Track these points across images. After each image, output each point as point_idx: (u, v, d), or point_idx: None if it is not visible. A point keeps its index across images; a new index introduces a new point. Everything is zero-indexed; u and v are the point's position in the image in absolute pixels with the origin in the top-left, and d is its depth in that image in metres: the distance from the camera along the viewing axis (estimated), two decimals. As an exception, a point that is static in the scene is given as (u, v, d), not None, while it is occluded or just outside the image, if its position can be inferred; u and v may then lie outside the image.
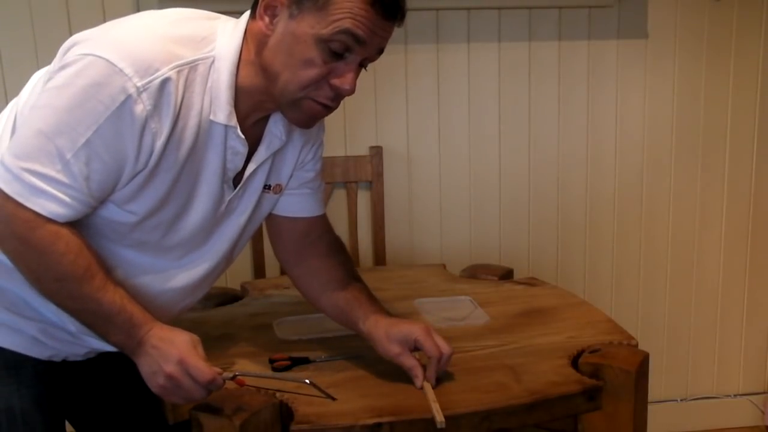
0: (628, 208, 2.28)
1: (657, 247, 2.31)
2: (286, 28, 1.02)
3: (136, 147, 0.98)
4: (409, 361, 1.13)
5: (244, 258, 2.05)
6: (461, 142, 2.16)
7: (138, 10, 1.08)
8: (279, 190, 1.24)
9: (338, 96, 1.05)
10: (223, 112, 1.04)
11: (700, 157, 2.28)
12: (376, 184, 2.10)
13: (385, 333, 1.15)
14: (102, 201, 1.01)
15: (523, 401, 1.09)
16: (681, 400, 2.42)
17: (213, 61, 1.03)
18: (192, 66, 1.00)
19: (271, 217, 1.29)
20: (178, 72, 0.98)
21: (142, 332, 1.02)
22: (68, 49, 1.00)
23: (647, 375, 1.19)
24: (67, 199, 0.96)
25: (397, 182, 2.15)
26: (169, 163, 1.02)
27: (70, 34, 1.03)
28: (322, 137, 1.30)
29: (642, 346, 1.25)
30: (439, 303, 1.50)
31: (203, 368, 0.99)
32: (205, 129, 1.04)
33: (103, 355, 1.19)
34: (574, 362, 1.21)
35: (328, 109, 1.07)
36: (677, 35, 2.19)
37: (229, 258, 1.23)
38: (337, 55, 1.01)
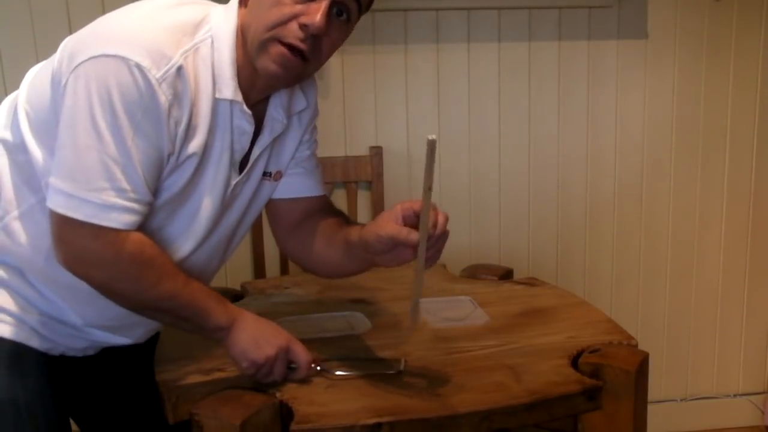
0: (628, 208, 2.28)
1: (657, 247, 2.31)
2: None
3: (166, 136, 0.98)
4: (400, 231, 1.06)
5: (244, 258, 2.05)
6: (461, 142, 2.16)
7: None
8: (279, 177, 1.23)
9: (307, 35, 1.00)
10: (228, 87, 1.03)
11: (700, 157, 2.28)
12: (376, 184, 2.10)
13: (372, 227, 1.10)
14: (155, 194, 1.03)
15: (523, 401, 1.09)
16: (681, 400, 2.42)
17: (212, 42, 1.03)
18: (195, 49, 1.00)
19: (269, 202, 1.27)
20: (186, 58, 0.98)
21: (235, 309, 1.09)
22: (74, 52, 0.97)
23: (647, 375, 1.19)
24: (135, 206, 0.98)
25: (397, 182, 2.15)
26: (191, 149, 1.02)
27: (70, 34, 1.03)
28: (316, 121, 1.28)
29: (642, 346, 1.25)
30: (439, 303, 1.50)
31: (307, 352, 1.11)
32: (213, 110, 1.04)
33: (103, 353, 1.19)
34: (574, 362, 1.21)
35: (298, 53, 1.02)
36: (677, 35, 2.19)
37: (226, 249, 1.21)
38: None
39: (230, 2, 1.08)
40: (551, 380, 1.15)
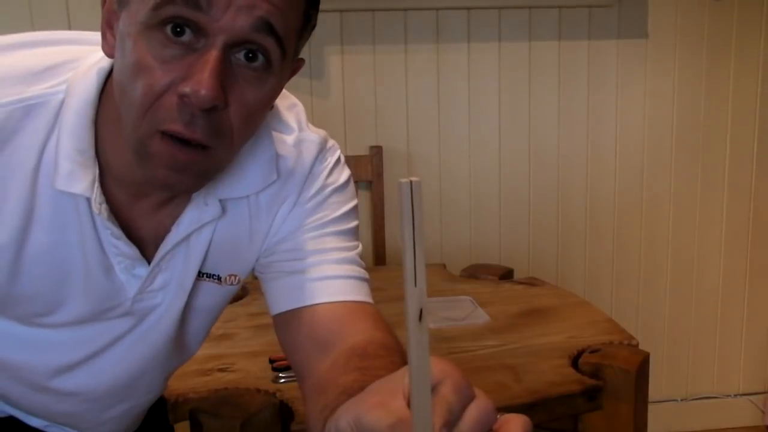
0: (628, 208, 2.28)
1: (657, 247, 2.31)
2: (120, 35, 0.67)
3: None
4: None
5: (244, 258, 2.05)
6: (461, 142, 2.16)
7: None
8: (235, 281, 0.86)
9: (194, 114, 0.63)
10: (62, 171, 0.69)
11: (700, 157, 2.28)
12: (376, 184, 2.10)
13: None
14: None
15: (523, 401, 1.09)
16: (681, 400, 2.42)
17: (64, 100, 0.70)
18: (17, 108, 0.69)
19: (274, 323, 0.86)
20: None
21: None
22: None
23: (647, 375, 1.19)
24: None
25: (397, 182, 2.14)
26: None
27: (70, 34, 1.02)
28: (323, 187, 0.87)
29: (642, 346, 1.26)
30: (439, 303, 1.50)
31: None
32: (50, 200, 0.71)
33: None
34: (574, 362, 1.21)
35: (188, 146, 0.65)
36: (677, 35, 2.19)
37: (168, 358, 0.92)
38: (182, 46, 0.63)
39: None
40: (551, 380, 1.15)
